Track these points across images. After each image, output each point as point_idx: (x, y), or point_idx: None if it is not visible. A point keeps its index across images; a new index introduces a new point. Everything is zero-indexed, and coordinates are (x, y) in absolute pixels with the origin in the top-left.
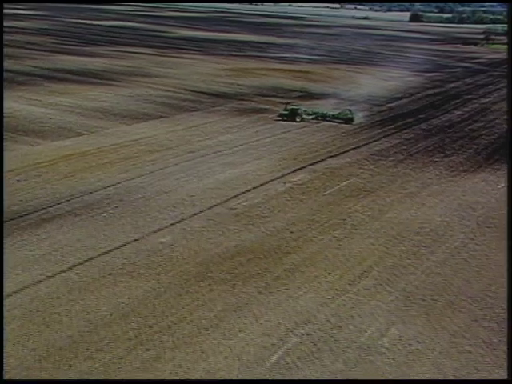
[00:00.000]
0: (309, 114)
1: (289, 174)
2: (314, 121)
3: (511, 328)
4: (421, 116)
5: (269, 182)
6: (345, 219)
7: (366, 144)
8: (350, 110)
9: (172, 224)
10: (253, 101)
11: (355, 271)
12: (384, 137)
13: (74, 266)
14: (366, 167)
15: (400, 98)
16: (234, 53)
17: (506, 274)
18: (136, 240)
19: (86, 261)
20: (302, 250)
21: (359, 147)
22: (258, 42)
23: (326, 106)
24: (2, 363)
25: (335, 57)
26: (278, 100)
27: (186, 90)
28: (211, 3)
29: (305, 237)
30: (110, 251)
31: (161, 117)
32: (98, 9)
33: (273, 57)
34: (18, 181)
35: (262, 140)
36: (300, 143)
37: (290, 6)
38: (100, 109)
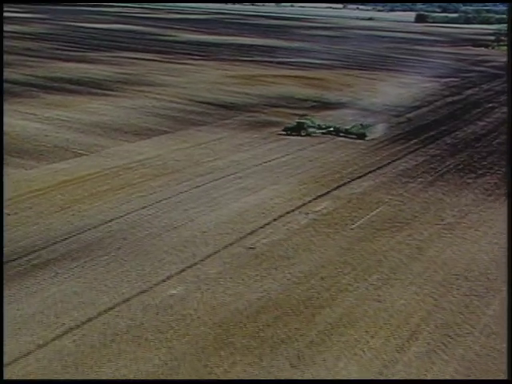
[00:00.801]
0: (318, 128)
1: (311, 201)
2: (326, 136)
3: (511, 328)
4: (443, 128)
5: (289, 212)
6: (380, 260)
7: (390, 163)
8: (362, 124)
9: (183, 270)
10: (263, 112)
11: (402, 332)
12: (408, 154)
13: (70, 329)
14: (394, 191)
15: (418, 108)
16: (239, 58)
17: (506, 273)
18: (143, 292)
19: (84, 322)
20: (337, 302)
21: (383, 167)
22: (262, 46)
23: (342, 118)
24: (2, 363)
25: (344, 61)
26: (290, 111)
27: (191, 100)
28: (211, 3)
29: (338, 285)
30: (112, 308)
31: (165, 132)
32: (96, 11)
33: (279, 62)
34: (7, 215)
35: (277, 160)
36: (318, 163)
37: (291, 6)
38: (100, 123)
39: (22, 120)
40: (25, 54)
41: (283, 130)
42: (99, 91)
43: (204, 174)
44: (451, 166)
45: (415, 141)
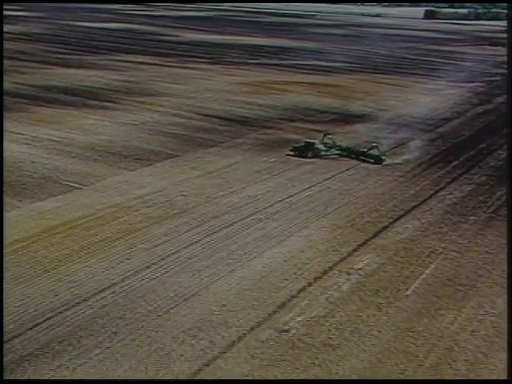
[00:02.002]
0: (330, 147)
1: (350, 254)
2: (344, 159)
3: (511, 328)
4: (482, 146)
5: (326, 271)
6: (452, 349)
7: (433, 194)
8: (376, 145)
9: (199, 369)
10: (279, 128)
11: None
12: (451, 181)
13: None
14: (446, 237)
15: (449, 120)
16: (247, 60)
17: (507, 273)
18: None
19: None
20: None
21: (426, 200)
22: (270, 47)
23: (367, 134)
24: (2, 363)
25: (359, 64)
26: (308, 126)
27: (198, 113)
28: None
29: None
30: None
31: (170, 156)
32: (95, 8)
33: (290, 65)
34: None
35: (302, 193)
36: (350, 197)
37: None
38: (96, 145)
39: (7, 142)
40: (17, 57)
41: (291, 150)
42: (96, 103)
43: (218, 216)
44: (503, 198)
45: (455, 163)
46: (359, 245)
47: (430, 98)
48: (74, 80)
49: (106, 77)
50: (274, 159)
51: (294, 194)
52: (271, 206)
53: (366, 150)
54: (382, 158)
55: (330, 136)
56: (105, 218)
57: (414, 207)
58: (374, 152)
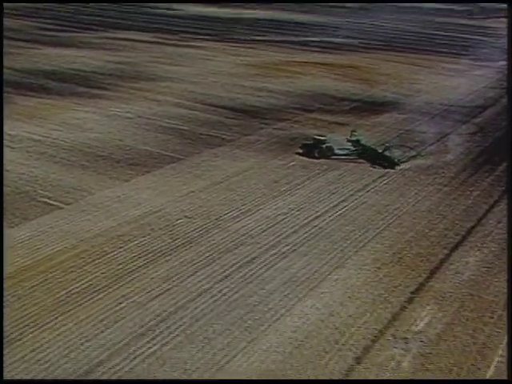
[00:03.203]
0: (355, 147)
1: (403, 308)
2: (348, 158)
3: (511, 328)
4: None
5: (376, 337)
6: None
7: (489, 210)
8: (387, 145)
9: None
10: (295, 121)
11: None
12: (506, 191)
13: None
14: None
15: (483, 108)
16: (254, 37)
17: (507, 272)
18: None
19: None
20: None
21: (482, 220)
22: (277, 21)
23: (396, 127)
24: (2, 363)
25: (374, 40)
26: (329, 118)
27: (203, 103)
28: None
29: None
30: None
31: (171, 160)
32: None
33: (301, 42)
34: None
35: (332, 212)
36: (391, 216)
37: None
38: (84, 146)
39: None
40: (5, 36)
41: (300, 148)
42: (86, 91)
43: (230, 248)
44: None
45: (504, 165)
46: (413, 292)
47: (457, 80)
48: (63, 62)
49: (99, 58)
50: (292, 163)
51: (323, 214)
52: (295, 231)
53: (381, 151)
54: (396, 161)
55: (355, 133)
56: (89, 255)
57: (471, 230)
58: (389, 153)
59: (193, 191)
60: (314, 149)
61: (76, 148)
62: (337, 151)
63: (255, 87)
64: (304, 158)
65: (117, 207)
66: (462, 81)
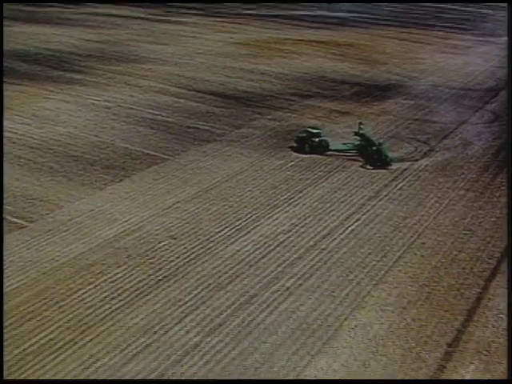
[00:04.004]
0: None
1: (440, 369)
2: (345, 155)
3: (511, 328)
4: None
5: None
6: None
7: None
8: (379, 143)
9: None
10: (292, 110)
11: None
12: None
13: None
14: None
15: (495, 91)
16: (244, 11)
17: (507, 271)
18: None
19: None
20: None
21: None
22: None
23: (402, 116)
24: (2, 363)
25: (369, 14)
26: (329, 105)
27: (189, 89)
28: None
29: None
30: None
31: (153, 161)
32: None
33: (293, 16)
34: None
35: (341, 227)
36: (410, 232)
37: None
38: (54, 143)
39: None
40: None
41: (295, 141)
42: (61, 74)
43: (224, 284)
44: None
45: None
46: (450, 344)
47: (462, 58)
48: (39, 41)
49: (78, 36)
50: (291, 163)
51: (331, 231)
52: (300, 257)
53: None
54: (388, 159)
55: (362, 126)
56: (52, 294)
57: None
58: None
59: (179, 202)
60: (305, 143)
61: (45, 146)
62: (333, 146)
63: (246, 69)
64: (305, 156)
65: (88, 225)
66: (468, 59)
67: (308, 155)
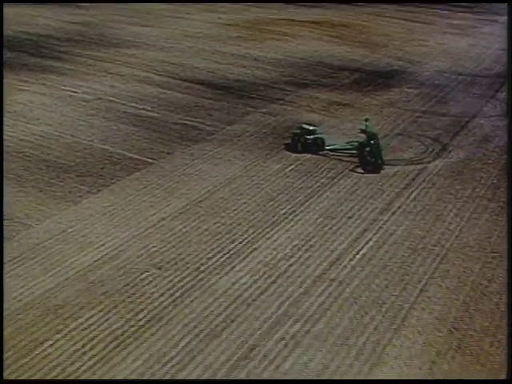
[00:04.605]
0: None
1: None
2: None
3: (511, 328)
4: None
5: None
6: None
7: None
8: (374, 142)
9: None
10: (288, 101)
11: None
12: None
13: None
14: None
15: (504, 78)
16: None
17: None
18: None
19: None
20: None
21: None
22: None
23: (409, 107)
24: (2, 363)
25: None
26: (329, 96)
27: (176, 77)
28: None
29: None
30: None
31: (136, 166)
32: None
33: None
34: None
35: (351, 250)
36: (431, 257)
37: None
38: (25, 144)
39: None
40: None
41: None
42: (38, 62)
43: (217, 331)
44: None
45: None
46: None
47: (465, 40)
48: (16, 24)
49: (58, 17)
50: (291, 166)
51: (341, 256)
52: (306, 292)
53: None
54: (379, 162)
55: (368, 123)
56: (10, 352)
57: None
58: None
59: (164, 218)
60: (298, 141)
61: (15, 149)
62: (329, 145)
63: (238, 54)
64: (305, 157)
65: (59, 251)
66: (471, 41)
67: (307, 155)
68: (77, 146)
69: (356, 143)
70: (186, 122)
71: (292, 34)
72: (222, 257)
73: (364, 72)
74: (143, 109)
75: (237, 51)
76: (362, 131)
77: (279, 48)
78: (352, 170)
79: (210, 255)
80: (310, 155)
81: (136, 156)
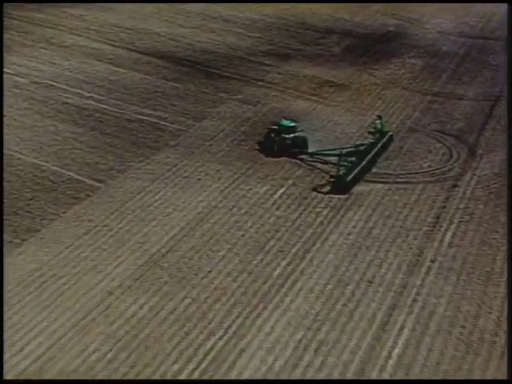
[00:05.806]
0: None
1: None
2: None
3: (511, 328)
4: None
5: None
6: None
7: None
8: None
9: None
10: (269, 83)
11: None
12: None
13: None
14: None
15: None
16: None
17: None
18: None
19: None
20: None
21: None
22: None
23: (415, 87)
24: (2, 363)
25: None
26: (319, 72)
27: (132, 48)
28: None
29: None
30: None
31: (78, 194)
32: None
33: None
34: None
35: (380, 353)
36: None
37: None
38: None
39: None
40: None
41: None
42: None
43: None
44: None
45: None
46: None
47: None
48: None
49: None
50: (281, 190)
51: (367, 362)
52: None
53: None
54: (345, 178)
55: (378, 121)
56: None
57: None
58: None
59: (111, 293)
60: (274, 142)
61: None
62: (313, 148)
63: (205, 14)
64: (297, 174)
65: None
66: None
67: (294, 163)
68: (13, 163)
69: (342, 148)
70: (143, 117)
71: None
72: (192, 371)
73: (356, 36)
74: (90, 97)
75: (204, 10)
76: (374, 131)
77: (253, 5)
78: (315, 190)
79: (176, 367)
80: (291, 160)
81: (77, 176)
